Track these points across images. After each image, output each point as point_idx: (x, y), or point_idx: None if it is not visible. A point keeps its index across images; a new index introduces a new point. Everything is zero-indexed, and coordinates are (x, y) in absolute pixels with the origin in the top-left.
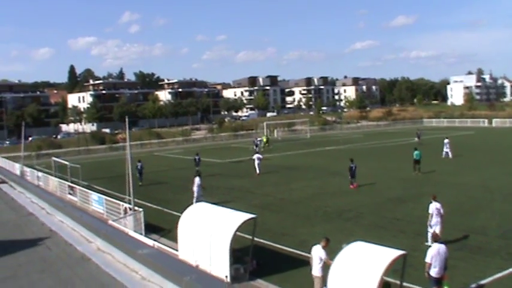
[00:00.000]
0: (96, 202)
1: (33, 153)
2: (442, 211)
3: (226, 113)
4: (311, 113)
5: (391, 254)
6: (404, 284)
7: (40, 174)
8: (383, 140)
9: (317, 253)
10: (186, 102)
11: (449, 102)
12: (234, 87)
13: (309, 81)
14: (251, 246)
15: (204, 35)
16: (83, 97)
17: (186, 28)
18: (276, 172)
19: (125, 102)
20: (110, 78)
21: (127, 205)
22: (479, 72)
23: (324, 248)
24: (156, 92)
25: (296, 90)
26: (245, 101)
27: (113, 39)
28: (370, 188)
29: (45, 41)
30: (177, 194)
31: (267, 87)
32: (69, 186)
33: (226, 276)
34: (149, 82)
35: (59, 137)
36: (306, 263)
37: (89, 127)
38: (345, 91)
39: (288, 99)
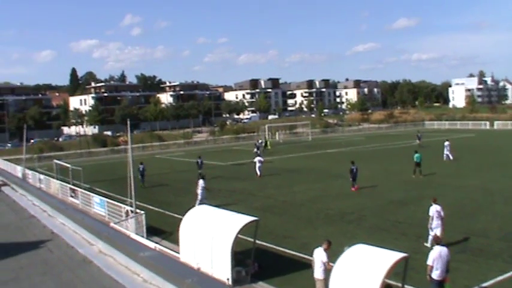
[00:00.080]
0: (97, 205)
1: (35, 156)
2: (442, 213)
3: (227, 115)
4: (313, 115)
5: (392, 256)
6: (406, 286)
7: (42, 176)
8: (384, 143)
9: (319, 256)
10: (188, 105)
11: (450, 105)
12: (235, 89)
13: (310, 83)
14: (253, 249)
15: (205, 37)
16: (85, 100)
17: (187, 31)
18: (277, 175)
19: (127, 104)
20: (112, 81)
21: (129, 208)
22: (481, 75)
23: (325, 250)
24: (158, 95)
25: (298, 92)
26: (247, 104)
27: (115, 41)
28: (371, 191)
29: (47, 43)
30: (178, 196)
31: (269, 90)
32: (70, 188)
33: (228, 279)
34: (151, 85)
35: (60, 139)
36: (308, 265)
37: (91, 130)
38: (346, 94)
39: (290, 101)
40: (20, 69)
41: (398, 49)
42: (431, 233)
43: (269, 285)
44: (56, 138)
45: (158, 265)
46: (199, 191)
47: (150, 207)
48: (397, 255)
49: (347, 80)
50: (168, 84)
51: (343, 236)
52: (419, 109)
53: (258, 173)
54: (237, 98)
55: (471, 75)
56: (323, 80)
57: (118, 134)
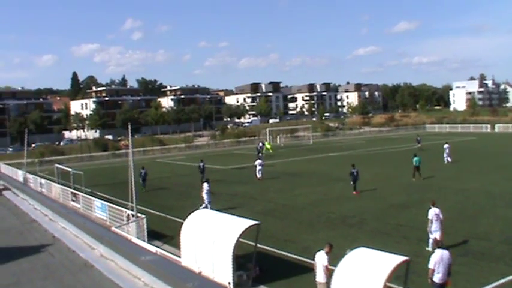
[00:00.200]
0: (99, 209)
1: (36, 160)
2: (441, 216)
3: (228, 119)
4: (314, 119)
5: (394, 260)
6: None
7: (43, 181)
8: (385, 146)
9: (320, 259)
10: (189, 109)
11: (451, 108)
12: (236, 93)
13: (311, 87)
14: (254, 253)
15: (206, 41)
16: (86, 104)
17: (188, 35)
18: (279, 178)
19: (128, 109)
20: (113, 85)
21: (130, 212)
22: (482, 78)
23: (327, 254)
24: (159, 99)
25: (299, 96)
26: (248, 108)
27: (116, 46)
28: (373, 194)
29: (48, 48)
30: (179, 200)
31: (270, 94)
32: (72, 192)
33: (229, 283)
34: (152, 89)
35: (61, 143)
36: (310, 269)
37: (92, 134)
38: (347, 97)
39: (291, 105)
40: (21, 73)
41: (399, 52)
42: (431, 236)
43: None
44: (57, 143)
45: (159, 269)
46: (204, 195)
47: (152, 211)
48: (398, 259)
49: (348, 83)
50: (169, 88)
51: (345, 239)
52: (420, 112)
53: (258, 176)
54: (237, 101)
55: (472, 78)
56: (324, 84)
57: (119, 138)
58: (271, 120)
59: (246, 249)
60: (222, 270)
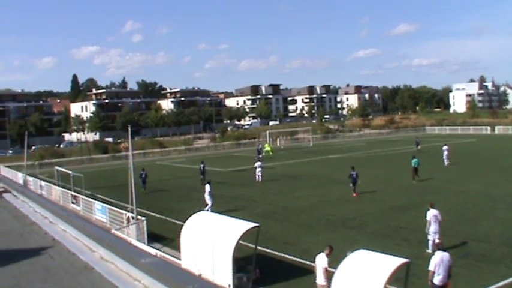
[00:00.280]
0: (99, 211)
1: (36, 163)
2: (439, 217)
3: (228, 121)
4: (313, 121)
5: (394, 262)
6: None
7: (43, 183)
8: (385, 148)
9: (321, 261)
10: (189, 111)
11: (451, 110)
12: (236, 96)
13: (311, 89)
14: (254, 255)
15: (206, 43)
16: (86, 106)
17: (188, 37)
18: (278, 180)
19: (128, 111)
20: (113, 88)
21: (130, 214)
22: (482, 80)
23: (327, 256)
24: (159, 101)
25: (298, 98)
26: (248, 110)
27: (116, 48)
28: (373, 196)
29: (48, 50)
30: (179, 202)
31: (270, 96)
32: (72, 195)
33: (229, 285)
34: (152, 91)
35: (61, 146)
36: (310, 271)
37: (92, 136)
38: (347, 99)
39: (291, 107)
40: (21, 76)
41: (398, 54)
42: (430, 238)
43: None
44: (57, 145)
45: (159, 271)
46: (207, 196)
47: (152, 213)
48: (398, 261)
49: (348, 85)
50: (169, 90)
51: (345, 241)
52: (420, 114)
53: (257, 178)
54: (237, 104)
55: (472, 81)
56: (324, 86)
57: (119, 141)
58: (271, 123)
59: (246, 252)
60: (222, 273)
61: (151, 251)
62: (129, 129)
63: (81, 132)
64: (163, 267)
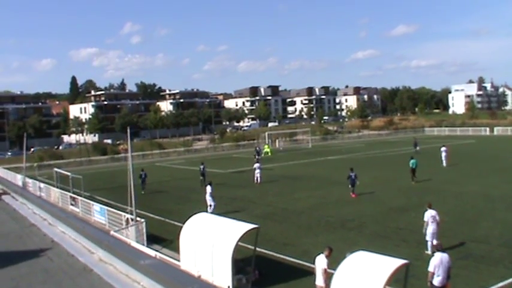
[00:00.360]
0: (98, 213)
1: (35, 164)
2: (437, 218)
3: (227, 123)
4: (312, 122)
5: (393, 263)
6: None
7: (42, 185)
8: (384, 149)
9: (320, 263)
10: (188, 113)
11: (450, 111)
12: (235, 97)
13: (310, 90)
14: (253, 257)
15: (205, 45)
16: (85, 108)
17: (187, 38)
18: (278, 182)
19: (127, 113)
20: (112, 89)
21: (129, 216)
22: (481, 81)
23: (327, 257)
24: (158, 103)
25: (297, 100)
26: (246, 111)
27: (115, 50)
28: (372, 197)
29: (47, 52)
30: (178, 204)
31: (269, 97)
32: (71, 197)
33: (229, 287)
34: (151, 93)
35: (60, 148)
36: (309, 273)
37: (91, 138)
38: (346, 100)
39: (290, 109)
40: (20, 77)
41: (397, 56)
42: (428, 239)
43: None
44: (56, 147)
45: (159, 273)
46: (208, 198)
47: (151, 215)
48: (397, 262)
49: (347, 87)
50: (168, 92)
51: (344, 243)
52: (419, 115)
53: (256, 179)
54: (236, 105)
55: (471, 82)
56: (323, 87)
57: (118, 142)
58: (270, 124)
59: (245, 253)
60: (221, 274)
61: (151, 252)
62: (128, 130)
63: (80, 134)
64: (162, 268)
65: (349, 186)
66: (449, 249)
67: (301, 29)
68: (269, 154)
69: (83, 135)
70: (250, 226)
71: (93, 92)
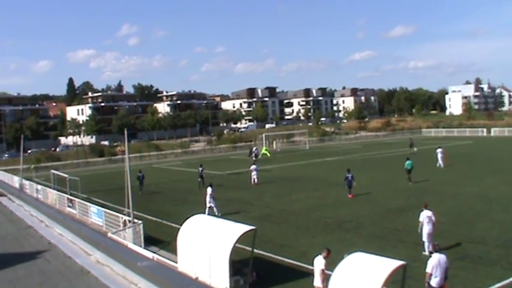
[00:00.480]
0: (95, 215)
1: (32, 166)
2: (433, 218)
3: (225, 124)
4: (310, 124)
5: (391, 264)
6: None
7: (39, 187)
8: (382, 151)
9: (319, 264)
10: (185, 115)
11: (447, 112)
12: (232, 99)
13: (307, 92)
14: (251, 258)
15: (202, 47)
16: (82, 110)
17: (184, 40)
18: (275, 183)
19: (124, 114)
20: (109, 91)
21: (126, 217)
22: (478, 82)
23: (325, 258)
24: (155, 104)
25: (295, 101)
26: (244, 113)
27: (112, 51)
28: (369, 199)
29: (44, 53)
30: (176, 206)
31: (266, 99)
32: (68, 198)
33: None
34: (148, 94)
35: (58, 149)
36: (307, 274)
37: (88, 140)
38: (343, 102)
39: (287, 110)
40: (17, 79)
41: (395, 57)
42: (424, 239)
43: None
44: (53, 149)
45: (156, 275)
46: (208, 199)
47: (148, 216)
48: (395, 263)
49: (344, 88)
50: (165, 93)
51: (342, 244)
52: (417, 117)
53: (253, 181)
54: (234, 107)
55: (468, 83)
56: (320, 89)
57: (115, 144)
58: (267, 125)
59: (242, 255)
60: (219, 276)
61: (148, 254)
62: (126, 132)
63: (77, 136)
64: (160, 270)
65: (346, 187)
66: (447, 250)
67: (299, 30)
68: (268, 155)
69: (80, 137)
70: (248, 228)
71: (90, 94)
